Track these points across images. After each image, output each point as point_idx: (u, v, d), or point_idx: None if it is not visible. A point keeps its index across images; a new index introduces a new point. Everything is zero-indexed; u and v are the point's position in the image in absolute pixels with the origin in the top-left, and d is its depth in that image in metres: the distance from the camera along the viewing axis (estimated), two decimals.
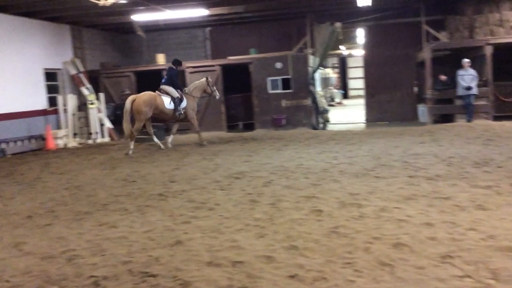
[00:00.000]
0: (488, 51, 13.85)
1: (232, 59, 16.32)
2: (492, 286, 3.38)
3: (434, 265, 3.77)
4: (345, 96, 34.89)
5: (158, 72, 16.26)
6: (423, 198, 5.83)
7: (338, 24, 14.24)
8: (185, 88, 12.77)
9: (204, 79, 12.83)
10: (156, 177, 8.34)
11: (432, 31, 14.95)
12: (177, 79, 12.42)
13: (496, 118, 13.85)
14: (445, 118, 14.64)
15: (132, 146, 11.76)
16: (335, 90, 31.28)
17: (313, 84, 16.03)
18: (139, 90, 16.51)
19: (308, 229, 4.86)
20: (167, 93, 12.09)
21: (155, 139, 12.45)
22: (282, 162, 9.17)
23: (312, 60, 15.89)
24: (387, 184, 6.73)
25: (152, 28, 17.07)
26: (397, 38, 16.68)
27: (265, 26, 17.78)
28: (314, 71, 16.01)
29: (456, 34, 14.57)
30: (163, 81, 12.40)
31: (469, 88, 13.65)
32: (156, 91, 12.13)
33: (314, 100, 15.96)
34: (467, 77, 13.73)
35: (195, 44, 18.78)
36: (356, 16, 15.91)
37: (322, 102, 17.52)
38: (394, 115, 17.28)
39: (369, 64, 17.61)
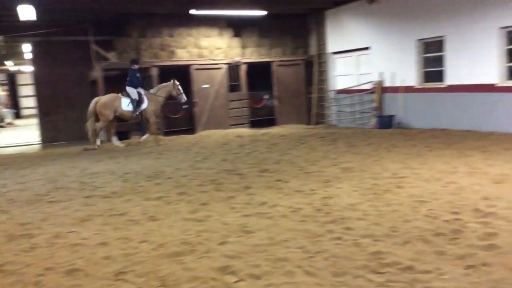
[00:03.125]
0: (154, 72, 15.15)
1: None
2: None
3: (108, 284, 3.79)
4: (18, 115, 31.85)
5: None
6: (99, 218, 5.82)
7: None
8: (151, 89, 13.07)
9: (171, 81, 12.95)
10: None
11: (101, 51, 15.22)
12: (136, 78, 12.66)
13: (167, 133, 15.26)
14: (121, 136, 15.11)
15: (98, 142, 13.03)
16: (5, 110, 28.18)
17: None
18: None
19: None
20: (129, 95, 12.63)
21: (115, 142, 13.06)
22: None
23: None
24: (62, 208, 6.45)
25: None
26: (68, 56, 16.26)
27: None
28: None
29: (124, 55, 15.26)
30: (126, 83, 12.78)
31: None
32: (120, 93, 12.81)
33: None
34: None
35: None
36: (20, 30, 14.68)
37: None
38: (72, 134, 16.81)
39: (41, 82, 16.55)
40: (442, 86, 12.81)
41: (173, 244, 4.66)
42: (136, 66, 12.90)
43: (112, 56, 15.18)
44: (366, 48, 15.21)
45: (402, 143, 10.61)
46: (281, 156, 9.89)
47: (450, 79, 12.52)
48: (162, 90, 13.18)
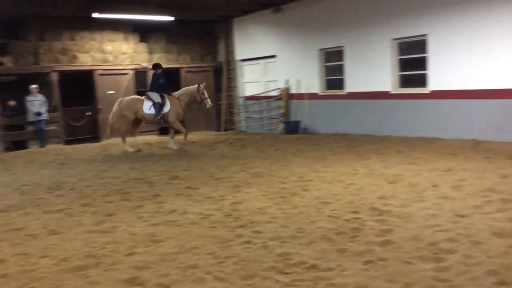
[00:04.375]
0: (55, 77, 14.36)
1: None
2: None
3: None
4: None
5: None
6: None
7: None
8: (174, 93, 12.39)
9: (196, 85, 12.21)
10: None
11: None
12: (158, 82, 12.11)
13: (68, 142, 14.49)
14: (18, 145, 14.13)
15: (127, 145, 12.33)
16: None
17: None
18: None
19: None
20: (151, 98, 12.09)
21: (126, 146, 12.34)
22: None
23: None
24: None
25: None
26: None
27: None
28: None
29: (21, 59, 14.29)
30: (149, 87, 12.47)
31: (39, 114, 13.70)
32: (144, 96, 12.31)
33: None
34: (37, 102, 13.74)
35: None
36: None
37: None
38: None
39: None
40: (342, 93, 13.57)
41: (77, 257, 4.45)
42: (159, 71, 12.21)
43: (7, 61, 14.14)
44: (273, 56, 15.67)
45: (307, 148, 11.06)
46: (191, 163, 9.84)
47: (349, 86, 13.30)
48: (185, 94, 12.37)
